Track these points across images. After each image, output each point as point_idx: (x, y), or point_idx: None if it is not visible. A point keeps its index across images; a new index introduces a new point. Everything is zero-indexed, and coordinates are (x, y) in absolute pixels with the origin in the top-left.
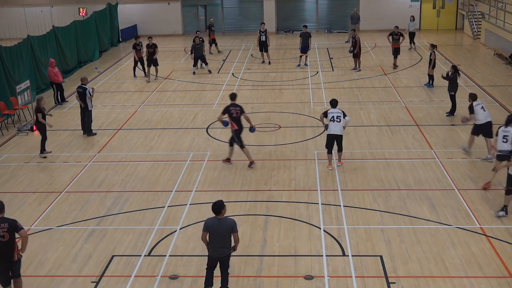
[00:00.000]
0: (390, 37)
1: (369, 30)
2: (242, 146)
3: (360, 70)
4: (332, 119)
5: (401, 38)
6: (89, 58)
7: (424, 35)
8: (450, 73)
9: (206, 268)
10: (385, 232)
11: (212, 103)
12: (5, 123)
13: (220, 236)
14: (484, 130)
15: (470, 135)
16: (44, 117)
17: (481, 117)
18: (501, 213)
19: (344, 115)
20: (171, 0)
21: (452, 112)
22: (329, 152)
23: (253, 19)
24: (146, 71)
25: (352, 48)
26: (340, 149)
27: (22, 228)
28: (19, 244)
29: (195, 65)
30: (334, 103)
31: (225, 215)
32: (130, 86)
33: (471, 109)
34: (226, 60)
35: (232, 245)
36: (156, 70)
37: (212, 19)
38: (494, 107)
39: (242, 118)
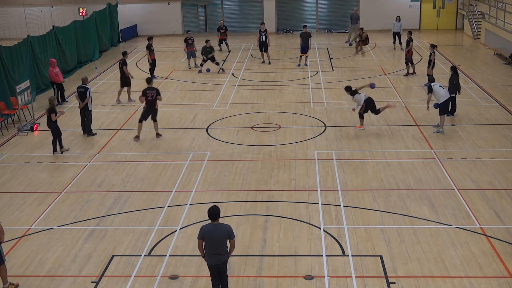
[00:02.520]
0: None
1: (369, 30)
2: (140, 120)
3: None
4: None
5: (410, 43)
6: (89, 58)
7: (424, 35)
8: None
9: (211, 279)
10: (385, 232)
11: (212, 103)
12: (5, 123)
13: (216, 243)
14: (448, 106)
15: (440, 116)
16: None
17: (443, 93)
18: None
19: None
20: (171, 0)
21: (452, 112)
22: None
23: (253, 19)
24: (118, 91)
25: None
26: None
27: None
28: None
29: (214, 62)
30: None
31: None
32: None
33: (430, 89)
34: (226, 60)
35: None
36: (128, 92)
37: (222, 21)
38: (494, 107)
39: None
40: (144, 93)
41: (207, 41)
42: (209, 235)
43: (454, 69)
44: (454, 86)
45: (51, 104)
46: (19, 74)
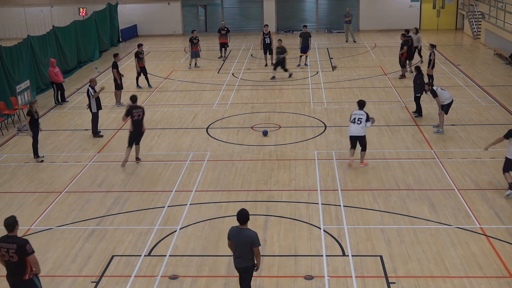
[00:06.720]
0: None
1: (369, 30)
2: (129, 145)
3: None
4: (353, 120)
5: (404, 47)
6: (89, 58)
7: (424, 35)
8: (414, 74)
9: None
10: (385, 232)
11: (212, 103)
12: (5, 123)
13: (238, 246)
14: (449, 107)
15: (441, 116)
16: (36, 122)
17: (447, 95)
18: (509, 191)
19: (368, 119)
20: (171, 0)
21: (419, 113)
22: (351, 148)
23: (253, 19)
24: (115, 93)
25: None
26: (363, 149)
27: (32, 253)
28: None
29: (275, 68)
30: (360, 104)
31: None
32: (130, 86)
33: (434, 93)
34: (226, 60)
35: (253, 259)
36: (119, 96)
37: (223, 22)
38: (494, 107)
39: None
40: (129, 112)
41: (279, 40)
42: (233, 238)
43: (418, 69)
44: (418, 86)
45: (30, 107)
46: (19, 74)
